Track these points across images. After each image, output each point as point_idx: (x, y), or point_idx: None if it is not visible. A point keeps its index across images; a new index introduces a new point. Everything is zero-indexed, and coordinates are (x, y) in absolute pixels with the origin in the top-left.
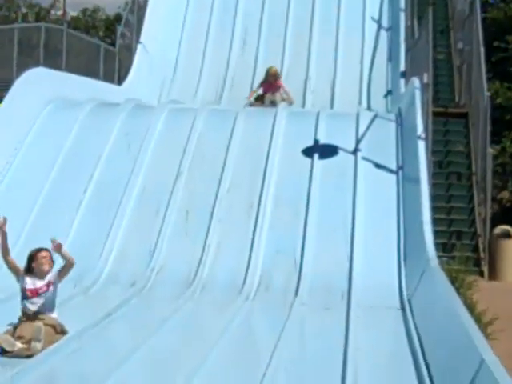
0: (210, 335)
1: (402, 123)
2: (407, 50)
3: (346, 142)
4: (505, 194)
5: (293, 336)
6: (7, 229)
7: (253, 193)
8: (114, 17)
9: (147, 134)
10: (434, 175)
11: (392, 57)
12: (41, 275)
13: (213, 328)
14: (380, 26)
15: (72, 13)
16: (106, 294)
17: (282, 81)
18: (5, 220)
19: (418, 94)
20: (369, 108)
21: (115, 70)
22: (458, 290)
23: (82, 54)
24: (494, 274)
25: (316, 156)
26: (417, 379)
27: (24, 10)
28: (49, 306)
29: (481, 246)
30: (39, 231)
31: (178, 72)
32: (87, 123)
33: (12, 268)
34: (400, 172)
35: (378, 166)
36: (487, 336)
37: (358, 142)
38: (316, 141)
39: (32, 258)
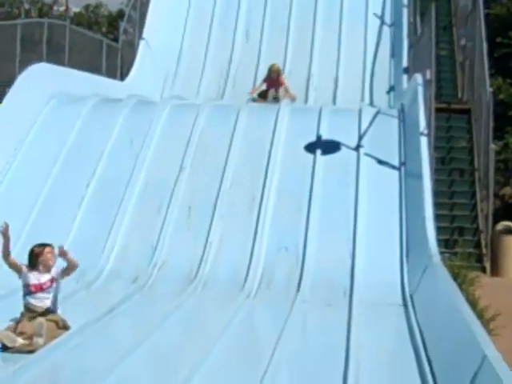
0: (212, 331)
1: (405, 119)
2: (410, 46)
3: (348, 138)
4: (507, 190)
5: (295, 332)
6: (10, 224)
7: (255, 189)
8: (116, 13)
9: (150, 130)
10: (436, 171)
11: (395, 53)
12: (45, 270)
13: (215, 324)
14: (383, 22)
15: (75, 9)
16: (109, 290)
17: (285, 77)
18: (7, 226)
19: (420, 90)
20: (371, 104)
21: (118, 66)
22: (460, 286)
23: (84, 50)
24: (496, 270)
25: (318, 152)
26: (419, 375)
27: (27, 6)
28: (54, 303)
29: (483, 242)
30: (41, 226)
31: (181, 67)
32: (90, 119)
33: (13, 267)
34: (402, 168)
35: (380, 162)
36: (489, 332)
37: (360, 138)
38: (318, 137)
39: (37, 253)
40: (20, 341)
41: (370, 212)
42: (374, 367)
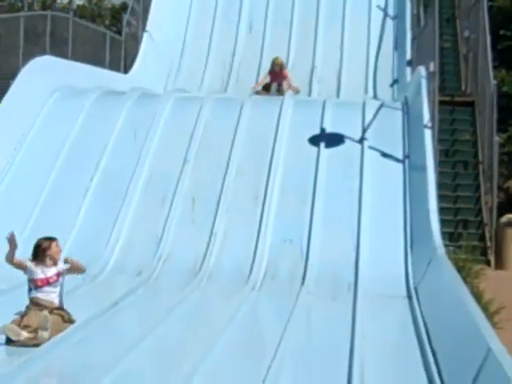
0: (217, 324)
1: (409, 112)
2: (413, 39)
3: (352, 130)
4: (511, 183)
5: (299, 325)
6: (12, 222)
7: (259, 181)
8: (119, 5)
9: (153, 123)
10: (440, 164)
11: (398, 45)
12: (52, 264)
13: (219, 317)
14: (386, 15)
15: (78, 1)
16: (113, 283)
17: (288, 70)
18: (13, 234)
19: (424, 82)
20: (375, 97)
21: (121, 59)
22: (464, 278)
23: (88, 43)
24: (500, 263)
25: (322, 145)
26: (423, 368)
27: None
28: (60, 297)
29: (487, 235)
30: (46, 219)
31: (184, 60)
32: (93, 111)
33: (18, 267)
34: (406, 161)
35: (384, 154)
36: (494, 325)
37: (364, 130)
38: (322, 129)
39: (45, 247)
40: (25, 334)
41: (374, 205)
42: (379, 359)
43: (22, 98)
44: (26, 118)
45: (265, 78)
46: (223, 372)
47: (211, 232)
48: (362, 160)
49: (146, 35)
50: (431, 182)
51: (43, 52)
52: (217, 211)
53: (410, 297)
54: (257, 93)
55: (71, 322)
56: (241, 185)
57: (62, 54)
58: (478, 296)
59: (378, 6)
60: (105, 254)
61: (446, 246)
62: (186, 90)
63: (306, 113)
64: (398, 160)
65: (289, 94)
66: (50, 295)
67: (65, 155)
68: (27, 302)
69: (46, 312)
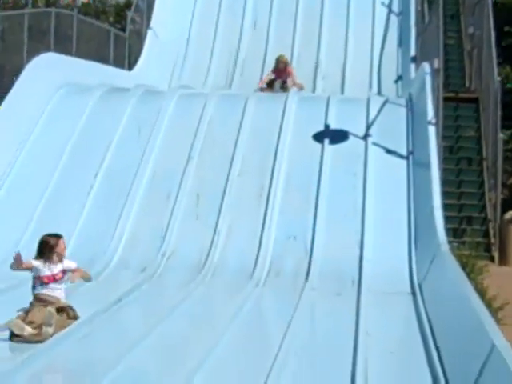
0: (221, 320)
1: (413, 108)
2: (417, 35)
3: (356, 127)
4: None
5: (303, 321)
6: (16, 218)
7: (263, 178)
8: (124, 2)
9: (157, 120)
10: (444, 160)
11: (402, 42)
12: (58, 261)
13: (223, 313)
14: (390, 11)
15: None
16: (117, 279)
17: (293, 67)
18: (19, 255)
19: (428, 79)
20: (379, 93)
21: (125, 56)
22: (468, 275)
23: (92, 40)
24: (504, 259)
25: (326, 141)
26: (427, 364)
27: None
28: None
29: (491, 232)
30: (50, 216)
31: (188, 57)
32: (98, 108)
33: (25, 269)
34: (410, 157)
35: (388, 151)
36: (498, 321)
37: (368, 127)
38: (326, 126)
39: (53, 245)
40: (28, 329)
41: (378, 201)
42: (383, 356)
43: (26, 95)
44: (31, 115)
45: (269, 75)
46: (227, 368)
47: (215, 228)
48: (366, 156)
49: (150, 32)
50: (435, 179)
51: (47, 49)
52: (221, 208)
53: (413, 293)
54: (261, 90)
55: (75, 318)
56: (245, 181)
57: (66, 51)
58: (481, 292)
59: (382, 3)
60: (109, 251)
61: (449, 242)
62: (190, 86)
63: (310, 109)
64: (402, 156)
65: (293, 90)
66: (55, 292)
67: (69, 152)
68: (28, 300)
69: (50, 308)
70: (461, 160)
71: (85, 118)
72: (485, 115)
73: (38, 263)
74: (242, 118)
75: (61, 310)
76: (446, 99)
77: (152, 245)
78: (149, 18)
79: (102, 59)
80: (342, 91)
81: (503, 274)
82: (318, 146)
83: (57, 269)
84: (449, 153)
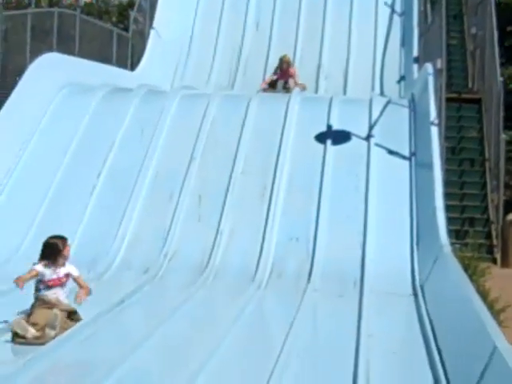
0: (223, 322)
1: (415, 109)
2: (420, 35)
3: (358, 127)
4: None
5: (305, 322)
6: (19, 218)
7: (266, 178)
8: (127, 2)
9: (160, 120)
10: (446, 161)
11: (405, 42)
12: (63, 264)
13: (225, 315)
14: (393, 11)
15: None
16: (120, 280)
17: (296, 67)
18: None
19: (431, 79)
20: (382, 94)
21: (128, 56)
22: (470, 277)
23: (95, 40)
24: (506, 261)
25: (329, 142)
26: (429, 366)
27: None
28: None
29: (494, 233)
30: (53, 216)
31: (191, 57)
32: (100, 108)
33: (31, 279)
34: (413, 158)
35: (390, 152)
36: (500, 323)
37: (371, 127)
38: (329, 126)
39: (60, 248)
40: (32, 331)
41: (381, 202)
42: (385, 357)
43: (29, 95)
44: (33, 115)
45: (271, 77)
46: (229, 369)
47: (217, 229)
48: (368, 157)
49: (152, 32)
50: (438, 180)
51: (50, 49)
52: (223, 208)
53: (415, 295)
54: (264, 90)
55: (78, 320)
56: (247, 182)
57: (69, 51)
58: (483, 294)
59: (385, 3)
60: (111, 251)
61: (452, 243)
62: (192, 86)
63: (313, 110)
64: (404, 157)
65: (296, 90)
66: (59, 294)
67: (72, 152)
68: (29, 302)
69: (56, 310)
70: (463, 161)
71: (87, 118)
72: (487, 116)
73: (43, 269)
74: (245, 119)
75: (64, 312)
76: (448, 100)
77: (154, 245)
78: (151, 18)
79: (105, 59)
80: (345, 91)
81: (505, 276)
82: (320, 146)
83: (62, 272)
84: (451, 154)
